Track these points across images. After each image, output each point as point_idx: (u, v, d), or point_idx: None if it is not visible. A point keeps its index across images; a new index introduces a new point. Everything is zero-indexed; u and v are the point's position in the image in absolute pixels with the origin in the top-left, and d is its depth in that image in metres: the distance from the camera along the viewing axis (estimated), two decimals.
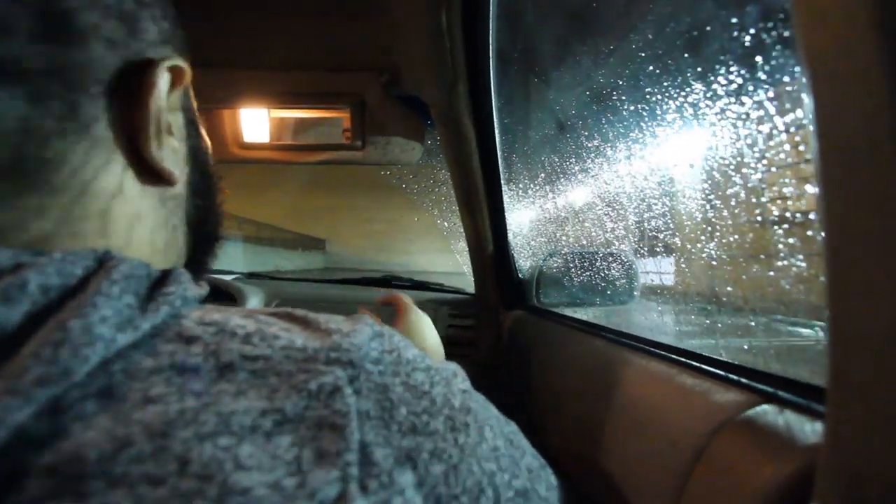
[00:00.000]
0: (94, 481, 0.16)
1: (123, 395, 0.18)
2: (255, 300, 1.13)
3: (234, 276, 1.32)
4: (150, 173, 0.28)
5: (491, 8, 0.65)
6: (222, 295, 1.13)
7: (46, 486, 0.15)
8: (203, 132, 0.35)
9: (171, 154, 0.29)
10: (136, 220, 0.28)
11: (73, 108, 0.23)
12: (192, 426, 0.17)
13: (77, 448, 0.16)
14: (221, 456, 0.17)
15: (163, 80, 0.27)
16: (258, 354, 0.21)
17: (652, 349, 0.50)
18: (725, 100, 0.48)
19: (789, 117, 0.38)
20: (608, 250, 0.95)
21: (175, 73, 0.29)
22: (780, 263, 0.39)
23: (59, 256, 0.20)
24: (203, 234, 0.35)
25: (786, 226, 0.39)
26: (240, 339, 0.21)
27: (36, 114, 0.22)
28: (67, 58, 0.23)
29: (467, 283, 1.25)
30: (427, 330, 0.62)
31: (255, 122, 0.81)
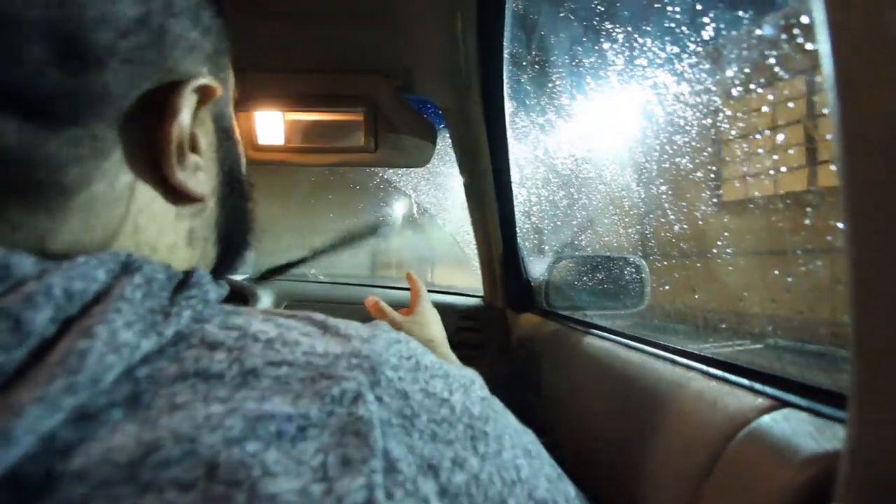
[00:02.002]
0: (124, 486, 0.16)
1: (149, 402, 0.18)
2: (266, 300, 1.14)
3: (244, 276, 1.33)
4: (175, 192, 0.27)
5: (506, 11, 0.65)
6: (235, 295, 1.14)
7: (77, 491, 0.15)
8: (237, 137, 0.33)
9: (195, 171, 0.27)
10: (163, 238, 0.27)
11: (90, 135, 0.22)
12: (220, 431, 0.17)
13: (105, 453, 0.16)
14: (249, 461, 0.17)
15: (188, 103, 0.26)
16: (281, 360, 0.21)
17: (665, 353, 0.50)
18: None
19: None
20: (619, 254, 0.94)
21: (204, 91, 0.27)
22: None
23: (82, 260, 0.19)
24: (232, 242, 0.34)
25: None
26: (262, 345, 0.21)
27: (49, 141, 0.21)
28: (80, 84, 0.21)
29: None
30: (435, 319, 0.68)
31: (270, 125, 0.81)
